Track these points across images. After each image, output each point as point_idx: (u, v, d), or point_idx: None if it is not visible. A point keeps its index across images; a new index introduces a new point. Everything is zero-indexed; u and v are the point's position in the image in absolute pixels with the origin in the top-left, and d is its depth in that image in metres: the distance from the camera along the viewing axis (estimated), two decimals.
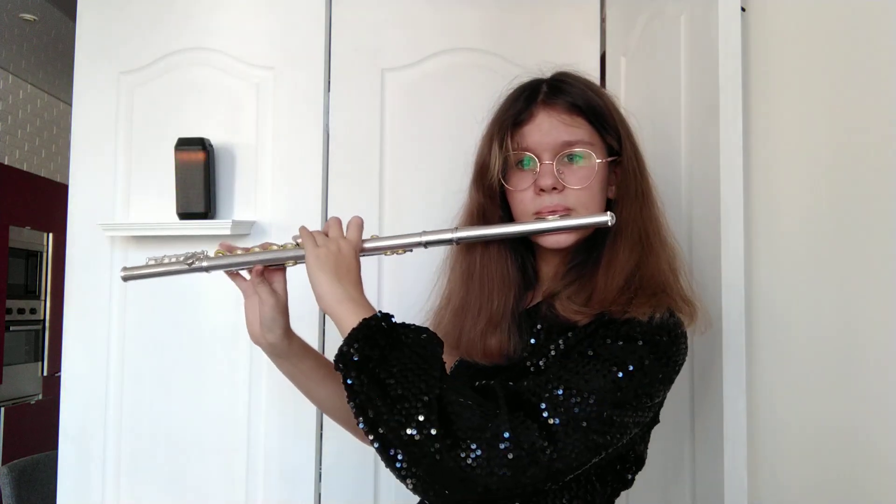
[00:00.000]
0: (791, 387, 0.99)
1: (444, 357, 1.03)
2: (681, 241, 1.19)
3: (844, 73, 0.89)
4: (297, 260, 0.92)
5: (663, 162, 1.27)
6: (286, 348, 0.97)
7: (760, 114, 1.06)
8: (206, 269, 0.93)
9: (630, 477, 0.91)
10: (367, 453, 1.58)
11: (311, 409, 1.66)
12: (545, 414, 0.76)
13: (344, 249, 0.88)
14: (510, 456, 0.73)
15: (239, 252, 0.93)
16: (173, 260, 0.93)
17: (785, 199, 1.01)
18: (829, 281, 0.91)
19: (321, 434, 1.67)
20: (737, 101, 1.04)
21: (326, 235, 0.90)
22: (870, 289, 0.84)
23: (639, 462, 0.92)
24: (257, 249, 0.93)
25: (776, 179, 1.03)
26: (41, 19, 3.13)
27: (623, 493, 1.29)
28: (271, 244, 0.94)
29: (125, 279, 0.95)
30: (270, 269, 0.94)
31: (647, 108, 1.42)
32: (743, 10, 1.06)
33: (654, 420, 0.93)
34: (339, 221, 0.92)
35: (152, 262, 0.94)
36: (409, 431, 0.73)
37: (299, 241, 0.91)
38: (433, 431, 0.72)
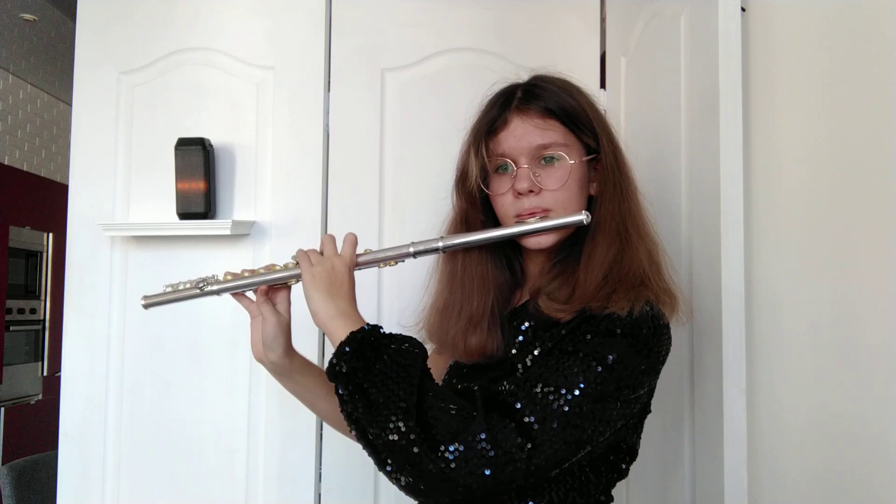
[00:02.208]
0: (791, 386, 0.99)
1: (440, 357, 1.05)
2: (681, 241, 1.19)
3: (844, 73, 0.90)
4: (298, 278, 0.96)
5: (663, 162, 1.28)
6: (287, 366, 1.03)
7: (760, 114, 1.06)
8: (217, 293, 0.99)
9: (624, 467, 0.93)
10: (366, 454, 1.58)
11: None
12: (521, 412, 0.79)
13: (337, 267, 0.92)
14: (489, 455, 0.76)
15: (245, 274, 0.99)
16: (188, 285, 1.00)
17: (785, 198, 1.01)
18: (829, 280, 0.91)
19: (321, 434, 1.67)
20: (737, 101, 1.04)
21: (322, 254, 0.94)
22: (870, 288, 0.84)
23: (632, 452, 0.94)
24: (262, 271, 0.99)
25: (776, 179, 1.03)
26: (41, 19, 3.13)
27: (623, 494, 1.30)
28: (275, 265, 0.99)
29: (146, 307, 1.01)
30: (274, 289, 1.00)
31: (647, 108, 1.42)
32: (743, 10, 1.06)
33: (645, 410, 0.95)
34: (333, 239, 0.96)
35: (169, 290, 1.01)
36: (391, 437, 0.77)
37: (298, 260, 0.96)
38: (412, 436, 0.76)
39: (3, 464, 2.39)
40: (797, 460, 0.98)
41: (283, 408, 1.66)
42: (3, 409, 3.35)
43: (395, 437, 0.76)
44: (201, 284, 0.99)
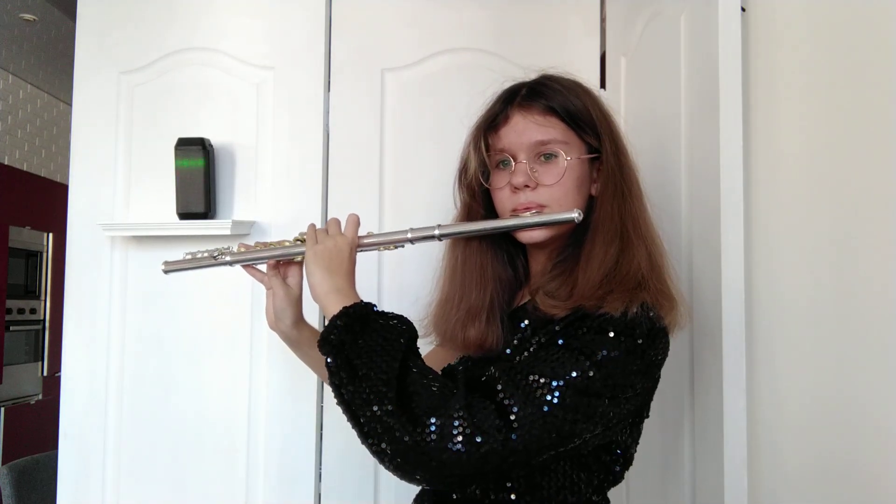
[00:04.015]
0: (791, 387, 0.99)
1: (443, 351, 1.07)
2: (680, 241, 1.19)
3: (844, 73, 0.90)
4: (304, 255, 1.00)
5: (663, 162, 1.28)
6: (297, 337, 1.07)
7: (760, 114, 1.06)
8: (230, 263, 1.05)
9: (618, 469, 0.93)
10: (367, 453, 1.58)
11: (311, 410, 1.66)
12: (501, 395, 0.80)
13: (340, 244, 0.95)
14: (466, 433, 0.77)
15: (258, 248, 1.04)
16: (205, 254, 1.06)
17: (785, 198, 1.01)
18: (830, 280, 0.91)
19: (321, 434, 1.67)
20: (737, 101, 1.04)
21: (327, 233, 0.98)
22: (869, 288, 0.84)
23: (626, 457, 0.94)
24: (274, 245, 1.04)
25: (776, 179, 1.03)
26: (41, 19, 3.13)
27: (623, 494, 1.29)
28: (285, 241, 1.04)
29: (166, 272, 1.08)
30: (285, 264, 1.06)
31: (647, 108, 1.42)
32: (743, 10, 1.06)
33: (640, 415, 0.95)
34: (337, 221, 1.00)
35: (188, 257, 1.07)
36: (373, 409, 0.78)
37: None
38: (390, 408, 0.78)
39: (3, 464, 2.39)
40: (798, 461, 0.98)
41: (283, 408, 1.66)
42: (3, 409, 3.35)
43: (375, 408, 0.78)
44: (216, 254, 1.05)
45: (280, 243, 1.03)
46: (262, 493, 1.65)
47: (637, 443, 0.96)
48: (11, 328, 3.48)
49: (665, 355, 0.89)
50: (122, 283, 1.71)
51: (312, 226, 1.00)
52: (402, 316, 0.88)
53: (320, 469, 1.67)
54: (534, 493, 0.89)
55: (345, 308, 0.86)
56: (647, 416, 0.96)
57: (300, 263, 1.04)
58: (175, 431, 1.68)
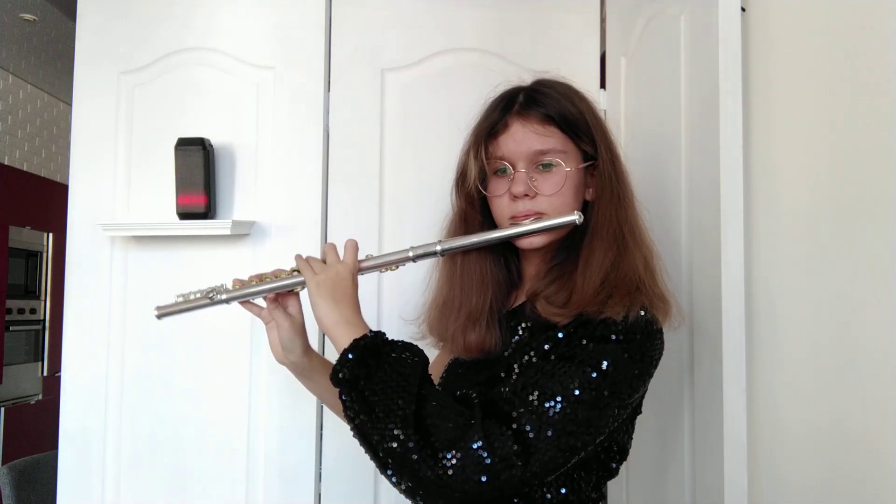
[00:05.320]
0: (791, 387, 0.99)
1: (439, 354, 1.07)
2: (680, 241, 1.19)
3: (844, 73, 0.90)
4: (304, 285, 0.98)
5: (663, 162, 1.28)
6: (307, 365, 1.05)
7: (760, 114, 1.06)
8: (227, 301, 1.02)
9: (615, 466, 0.95)
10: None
11: (311, 410, 1.66)
12: (518, 420, 0.81)
13: (342, 273, 0.94)
14: (486, 462, 0.78)
15: (253, 283, 1.01)
16: (198, 295, 1.03)
17: (785, 199, 1.01)
18: (829, 280, 0.91)
19: (321, 434, 1.67)
20: (737, 101, 1.04)
21: (324, 262, 0.96)
22: (869, 288, 0.84)
23: (623, 452, 0.96)
24: (269, 277, 1.01)
25: (776, 179, 1.03)
26: (41, 19, 3.13)
27: (623, 494, 1.30)
28: (282, 270, 1.01)
29: (159, 317, 1.05)
30: (283, 295, 1.03)
31: (647, 108, 1.42)
32: (743, 10, 1.06)
33: (636, 412, 0.97)
34: (335, 247, 0.98)
35: (181, 299, 1.04)
36: (391, 444, 0.79)
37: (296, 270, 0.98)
38: (411, 444, 0.78)
39: (3, 464, 2.39)
40: (797, 460, 0.98)
41: (283, 408, 1.66)
42: (3, 409, 3.35)
43: (395, 445, 0.78)
44: (211, 294, 1.02)
45: (275, 274, 1.01)
46: (262, 493, 1.65)
47: (631, 437, 0.98)
48: (11, 328, 3.48)
49: (661, 355, 0.91)
50: (122, 283, 1.71)
51: (300, 256, 0.98)
52: (413, 345, 0.89)
53: (320, 469, 1.67)
54: (536, 493, 0.90)
55: (356, 340, 0.86)
56: (641, 413, 0.98)
57: (297, 293, 1.03)
58: (175, 431, 1.68)
